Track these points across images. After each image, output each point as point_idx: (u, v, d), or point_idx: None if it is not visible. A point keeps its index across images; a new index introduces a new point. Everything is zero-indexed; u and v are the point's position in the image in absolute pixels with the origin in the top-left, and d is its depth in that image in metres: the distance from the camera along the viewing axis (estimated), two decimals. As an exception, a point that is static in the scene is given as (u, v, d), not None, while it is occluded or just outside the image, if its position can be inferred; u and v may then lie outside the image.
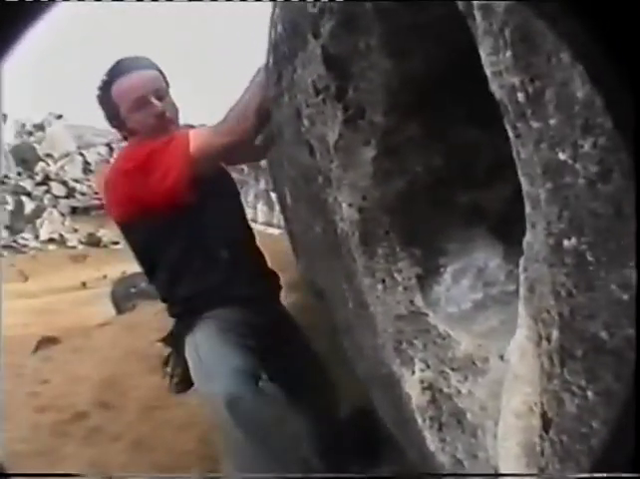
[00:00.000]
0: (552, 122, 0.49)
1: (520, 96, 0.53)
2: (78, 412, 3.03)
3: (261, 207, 11.70)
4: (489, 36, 0.57)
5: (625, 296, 0.44)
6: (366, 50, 1.03)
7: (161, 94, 1.95)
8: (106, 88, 1.97)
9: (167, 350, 1.92)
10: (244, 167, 9.95)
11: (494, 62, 0.57)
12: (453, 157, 1.07)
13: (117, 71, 1.98)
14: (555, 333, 0.53)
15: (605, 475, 0.52)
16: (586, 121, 0.46)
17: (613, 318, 0.46)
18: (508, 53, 0.54)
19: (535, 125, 0.51)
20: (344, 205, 1.18)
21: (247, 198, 11.32)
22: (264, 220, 10.67)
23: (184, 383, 1.92)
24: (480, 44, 0.60)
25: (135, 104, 1.92)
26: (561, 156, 0.48)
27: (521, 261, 0.64)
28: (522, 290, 0.64)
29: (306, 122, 1.24)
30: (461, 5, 0.66)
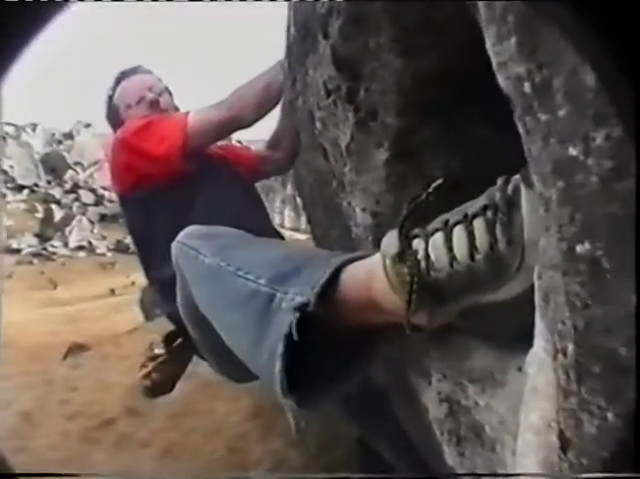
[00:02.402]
0: (561, 113, 0.44)
1: (527, 86, 0.48)
2: (107, 419, 3.06)
3: (288, 212, 11.72)
4: (493, 24, 0.53)
5: (645, 309, 0.40)
6: (376, 49, 0.99)
7: (156, 91, 2.07)
8: (110, 102, 2.14)
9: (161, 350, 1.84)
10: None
11: (499, 51, 0.52)
12: (471, 158, 1.03)
13: (116, 82, 2.13)
14: (571, 347, 0.49)
15: (609, 475, 0.50)
16: (598, 110, 0.42)
17: (632, 333, 0.41)
18: (513, 39, 0.49)
19: (544, 118, 0.46)
20: (357, 209, 1.15)
21: (274, 203, 11.35)
22: (291, 225, 10.67)
23: (156, 390, 1.86)
24: (485, 34, 0.56)
25: (131, 101, 2.04)
26: (572, 151, 0.43)
27: (536, 269, 0.60)
28: (537, 299, 0.60)
29: (319, 125, 1.21)
30: None
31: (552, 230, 0.49)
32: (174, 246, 1.28)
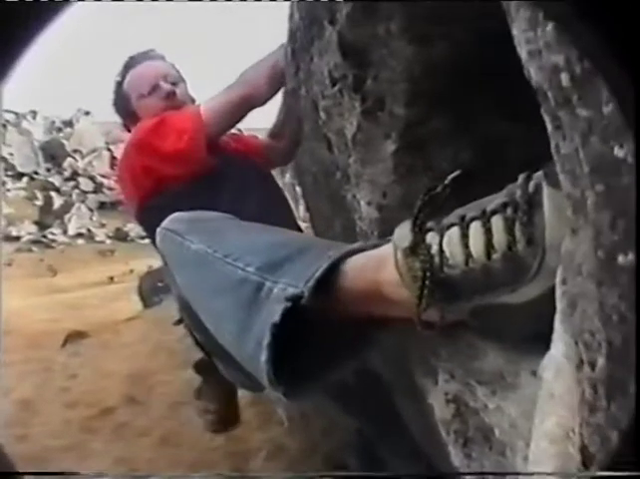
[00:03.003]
0: (607, 110, 0.40)
1: (565, 78, 0.43)
2: (106, 407, 3.08)
3: (288, 200, 11.71)
4: (525, 9, 0.48)
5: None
6: (386, 36, 0.96)
7: (171, 79, 1.93)
8: (118, 89, 2.00)
9: (198, 379, 1.80)
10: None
11: (531, 39, 0.47)
12: (482, 151, 0.99)
13: (126, 68, 1.99)
14: (602, 361, 0.45)
15: (609, 474, 0.48)
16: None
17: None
18: (550, 26, 0.44)
19: (584, 113, 0.41)
20: (363, 202, 1.12)
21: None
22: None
23: (224, 420, 1.82)
24: (513, 21, 0.51)
25: (144, 91, 1.91)
26: (618, 151, 0.39)
27: (559, 271, 0.56)
28: (560, 305, 0.56)
29: (323, 114, 1.18)
30: None
31: (584, 234, 0.45)
32: (159, 233, 1.22)
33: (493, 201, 0.76)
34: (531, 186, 0.72)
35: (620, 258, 0.39)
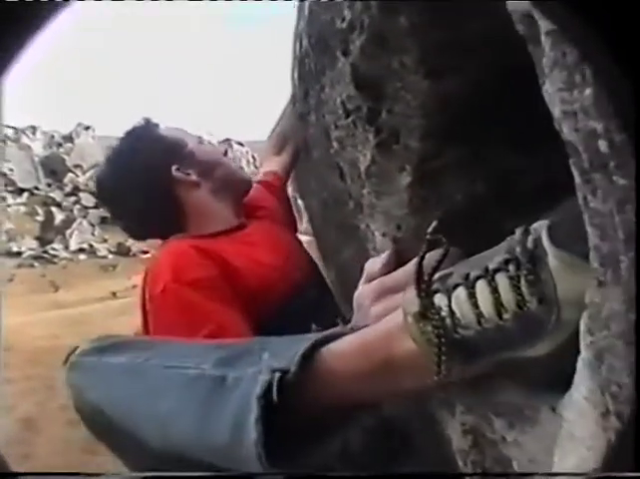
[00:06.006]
0: None
1: (602, 144, 0.42)
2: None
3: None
4: (561, 69, 0.47)
5: None
6: (400, 69, 0.95)
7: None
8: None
9: None
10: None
11: (567, 99, 0.47)
12: (495, 183, 0.99)
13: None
14: (629, 415, 0.45)
15: (610, 475, 0.50)
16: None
17: None
18: (588, 91, 0.44)
19: (621, 182, 0.41)
20: (377, 234, 1.11)
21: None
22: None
23: None
24: (546, 76, 0.51)
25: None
26: None
27: (584, 319, 0.56)
28: (586, 353, 0.55)
29: (335, 144, 1.17)
30: (521, 29, 0.56)
31: (614, 291, 0.45)
32: (69, 365, 1.10)
33: (494, 257, 0.74)
34: (530, 241, 0.71)
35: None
